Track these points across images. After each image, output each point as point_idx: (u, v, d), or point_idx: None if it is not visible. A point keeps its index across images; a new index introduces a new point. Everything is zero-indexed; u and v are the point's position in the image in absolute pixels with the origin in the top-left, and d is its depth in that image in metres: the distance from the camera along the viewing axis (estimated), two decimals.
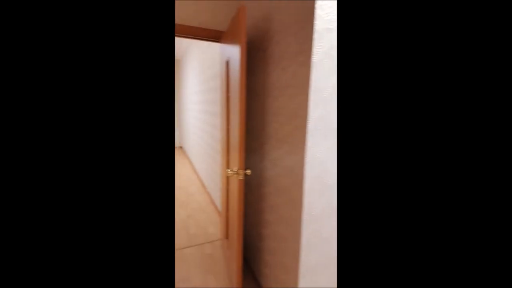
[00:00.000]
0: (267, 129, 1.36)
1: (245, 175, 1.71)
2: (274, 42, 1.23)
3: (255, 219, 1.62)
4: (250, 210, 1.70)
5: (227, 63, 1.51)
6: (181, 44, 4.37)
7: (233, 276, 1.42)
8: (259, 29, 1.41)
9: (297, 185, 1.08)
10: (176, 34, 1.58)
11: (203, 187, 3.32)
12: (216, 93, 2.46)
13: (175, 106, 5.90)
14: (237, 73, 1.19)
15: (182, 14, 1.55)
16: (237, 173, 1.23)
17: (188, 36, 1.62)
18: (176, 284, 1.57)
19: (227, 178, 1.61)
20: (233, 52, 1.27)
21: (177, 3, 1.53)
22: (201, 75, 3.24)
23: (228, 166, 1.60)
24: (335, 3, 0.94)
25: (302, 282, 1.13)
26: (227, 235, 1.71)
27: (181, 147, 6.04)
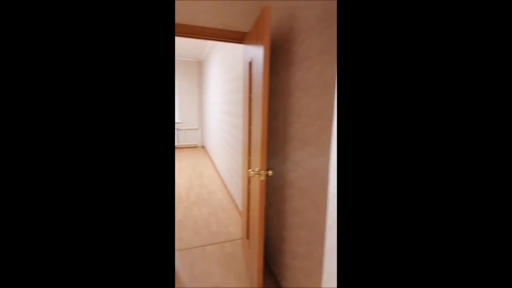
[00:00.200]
0: (290, 130, 1.34)
1: (267, 176, 1.70)
2: (299, 42, 1.20)
3: (277, 221, 1.60)
4: (271, 211, 1.69)
5: (250, 64, 1.51)
6: (205, 46, 4.48)
7: (254, 276, 1.43)
8: (282, 28, 1.39)
9: (321, 188, 1.05)
10: (200, 37, 1.62)
11: (224, 186, 3.38)
12: (238, 94, 2.48)
13: (198, 106, 6.07)
14: (260, 73, 1.19)
15: (206, 17, 1.59)
16: (258, 174, 1.23)
17: (212, 38, 1.65)
18: (197, 280, 1.61)
19: (249, 178, 1.62)
20: (257, 52, 1.27)
21: (201, 6, 1.57)
22: (224, 76, 3.29)
23: (249, 167, 1.61)
24: None
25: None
26: (247, 235, 1.72)
27: (203, 147, 6.20)
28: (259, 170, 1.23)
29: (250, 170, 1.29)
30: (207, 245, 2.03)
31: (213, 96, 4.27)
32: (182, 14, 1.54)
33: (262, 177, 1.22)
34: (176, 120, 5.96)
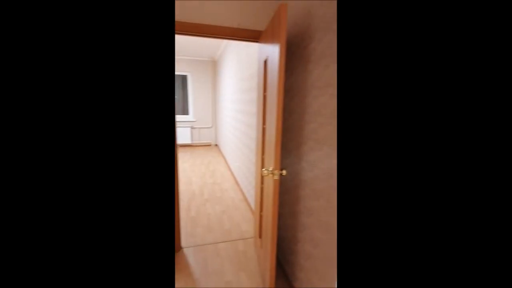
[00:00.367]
0: (305, 130, 1.32)
1: (281, 175, 1.69)
2: (316, 40, 1.18)
3: (290, 221, 1.59)
4: (285, 211, 1.68)
5: (265, 62, 1.50)
6: (219, 45, 4.52)
7: (266, 275, 1.42)
8: (298, 26, 1.37)
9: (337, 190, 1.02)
10: (216, 36, 1.63)
11: (237, 184, 3.40)
12: (252, 92, 2.48)
13: (212, 105, 6.14)
14: (275, 71, 1.17)
15: (222, 16, 1.59)
16: (272, 173, 1.22)
17: (228, 37, 1.65)
18: (209, 277, 1.63)
19: (262, 177, 1.62)
20: (272, 50, 1.25)
21: (217, 6, 1.57)
22: (238, 75, 3.30)
23: (263, 166, 1.60)
24: None
25: None
26: (260, 234, 1.71)
27: (216, 145, 6.27)
28: (273, 170, 1.21)
29: (263, 169, 1.29)
30: (219, 242, 2.05)
31: (227, 95, 4.30)
32: (198, 14, 1.55)
33: (276, 177, 1.21)
34: (190, 118, 6.07)
